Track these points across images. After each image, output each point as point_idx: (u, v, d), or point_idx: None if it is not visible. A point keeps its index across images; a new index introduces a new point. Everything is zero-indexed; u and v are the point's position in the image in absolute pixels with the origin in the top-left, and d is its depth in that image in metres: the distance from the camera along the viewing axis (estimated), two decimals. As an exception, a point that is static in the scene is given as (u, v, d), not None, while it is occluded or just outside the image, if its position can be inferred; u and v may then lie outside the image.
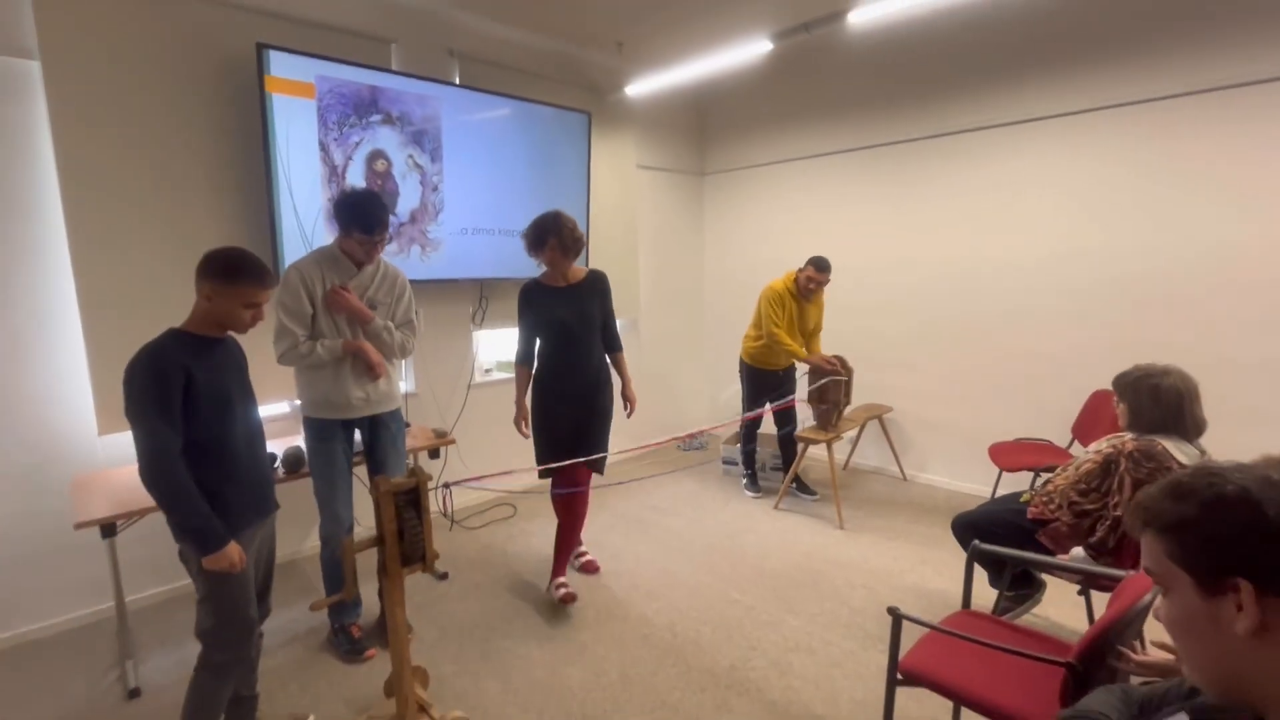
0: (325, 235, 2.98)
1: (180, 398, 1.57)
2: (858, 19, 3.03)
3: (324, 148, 2.92)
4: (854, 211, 4.33)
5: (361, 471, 2.50)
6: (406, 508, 1.87)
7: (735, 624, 2.57)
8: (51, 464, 2.51)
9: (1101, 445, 2.12)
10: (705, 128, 5.16)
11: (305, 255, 2.25)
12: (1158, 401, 1.93)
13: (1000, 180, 3.67)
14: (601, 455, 2.74)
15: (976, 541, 1.84)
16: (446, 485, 2.08)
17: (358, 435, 2.41)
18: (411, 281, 3.38)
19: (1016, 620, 2.38)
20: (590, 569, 3.02)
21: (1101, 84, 3.27)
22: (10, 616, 2.49)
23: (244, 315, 1.66)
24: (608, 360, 2.82)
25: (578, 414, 2.70)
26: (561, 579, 2.80)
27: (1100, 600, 2.28)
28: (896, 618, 1.66)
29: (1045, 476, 3.16)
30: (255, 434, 1.81)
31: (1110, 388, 3.23)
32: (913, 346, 4.16)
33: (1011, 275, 3.69)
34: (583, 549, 3.08)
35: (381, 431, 2.38)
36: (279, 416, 3.03)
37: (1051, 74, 3.42)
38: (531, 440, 2.75)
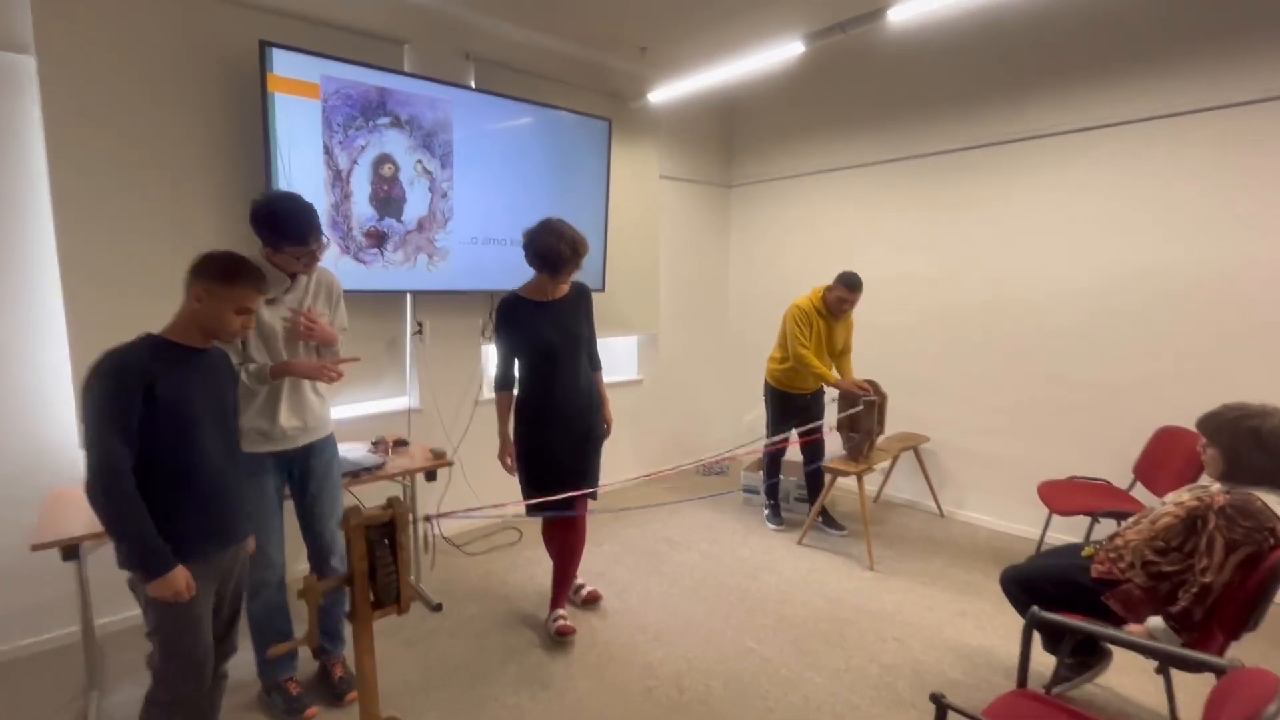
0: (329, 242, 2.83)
1: (138, 410, 1.42)
2: (898, 16, 2.80)
3: (328, 150, 2.79)
4: (890, 226, 4.07)
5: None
6: (379, 543, 1.68)
7: (750, 679, 2.30)
8: (28, 475, 2.38)
9: (1183, 496, 1.82)
10: (733, 138, 4.96)
11: None
12: (1262, 448, 1.63)
13: (1052, 193, 3.38)
14: (595, 489, 2.54)
15: (1035, 609, 1.55)
16: (429, 518, 1.88)
17: None
18: (417, 293, 3.29)
19: (1076, 690, 2.08)
20: (592, 599, 2.80)
21: (1167, 89, 2.97)
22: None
23: (234, 321, 1.55)
24: (591, 382, 2.60)
25: (570, 442, 2.46)
26: (560, 611, 2.59)
27: (1185, 681, 1.97)
28: (940, 706, 1.38)
29: (1104, 523, 2.86)
30: (226, 457, 1.63)
31: (1180, 425, 2.94)
32: (953, 372, 3.85)
33: (1066, 296, 3.37)
34: (580, 581, 2.85)
35: (314, 460, 2.10)
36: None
37: (1107, 78, 3.14)
38: (523, 472, 2.50)
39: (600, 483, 2.60)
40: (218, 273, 1.52)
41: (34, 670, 2.34)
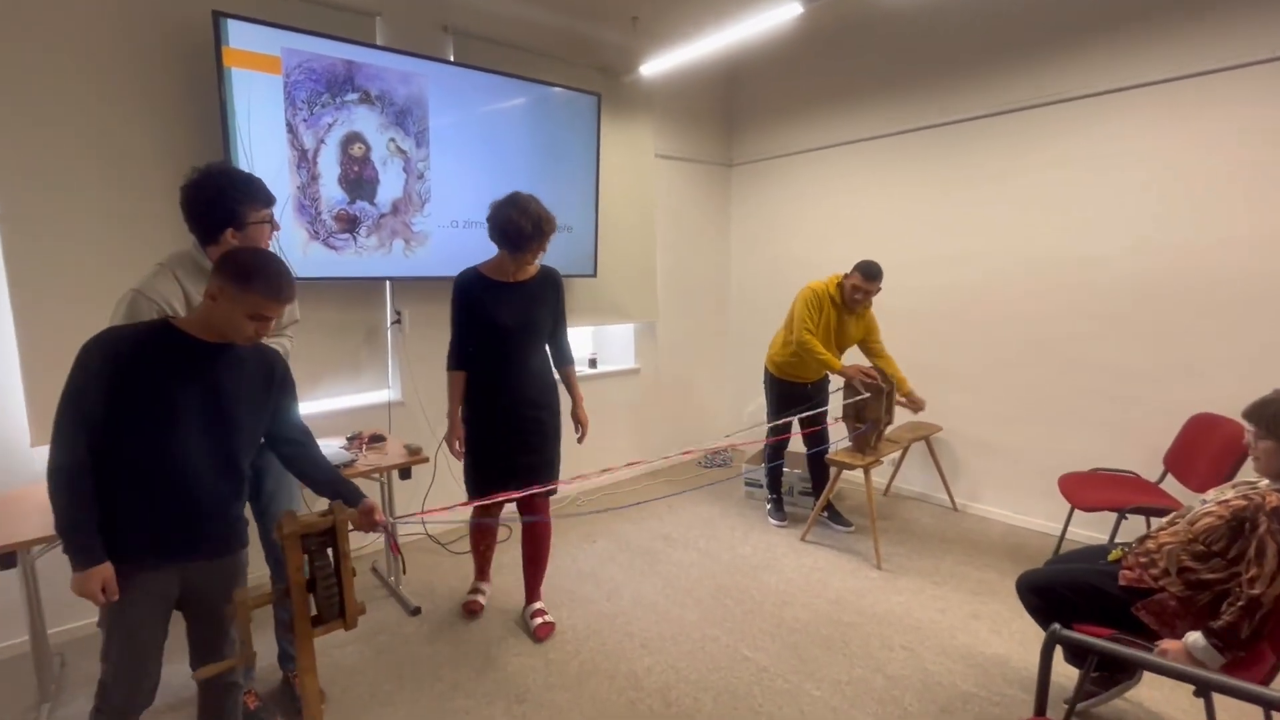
0: (294, 226, 2.68)
1: (98, 396, 1.31)
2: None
3: (292, 129, 2.62)
4: (900, 204, 3.83)
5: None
6: (319, 553, 1.52)
7: (743, 692, 2.13)
8: (-22, 477, 2.27)
9: (1227, 494, 1.61)
10: (732, 113, 4.72)
11: (150, 275, 1.61)
12: (1323, 443, 1.41)
13: (1075, 164, 3.12)
14: (548, 488, 2.41)
15: (1056, 627, 1.36)
16: (385, 525, 1.71)
17: None
18: (394, 279, 3.13)
19: (1103, 706, 1.88)
20: (543, 633, 2.44)
21: (1204, 43, 2.71)
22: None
23: (245, 326, 1.38)
24: (554, 374, 2.45)
25: (512, 434, 2.32)
26: (537, 605, 2.55)
27: (1227, 705, 1.75)
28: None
29: (1131, 519, 2.64)
30: (208, 462, 1.45)
31: (1215, 412, 2.70)
32: (967, 357, 3.62)
33: (1088, 274, 3.13)
34: (539, 605, 2.54)
35: (269, 456, 1.91)
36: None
37: (1134, 34, 2.87)
38: (467, 459, 2.41)
39: (560, 478, 2.47)
40: (233, 272, 1.36)
41: (-11, 681, 2.23)
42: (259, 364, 1.51)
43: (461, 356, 2.33)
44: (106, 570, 1.35)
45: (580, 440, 2.48)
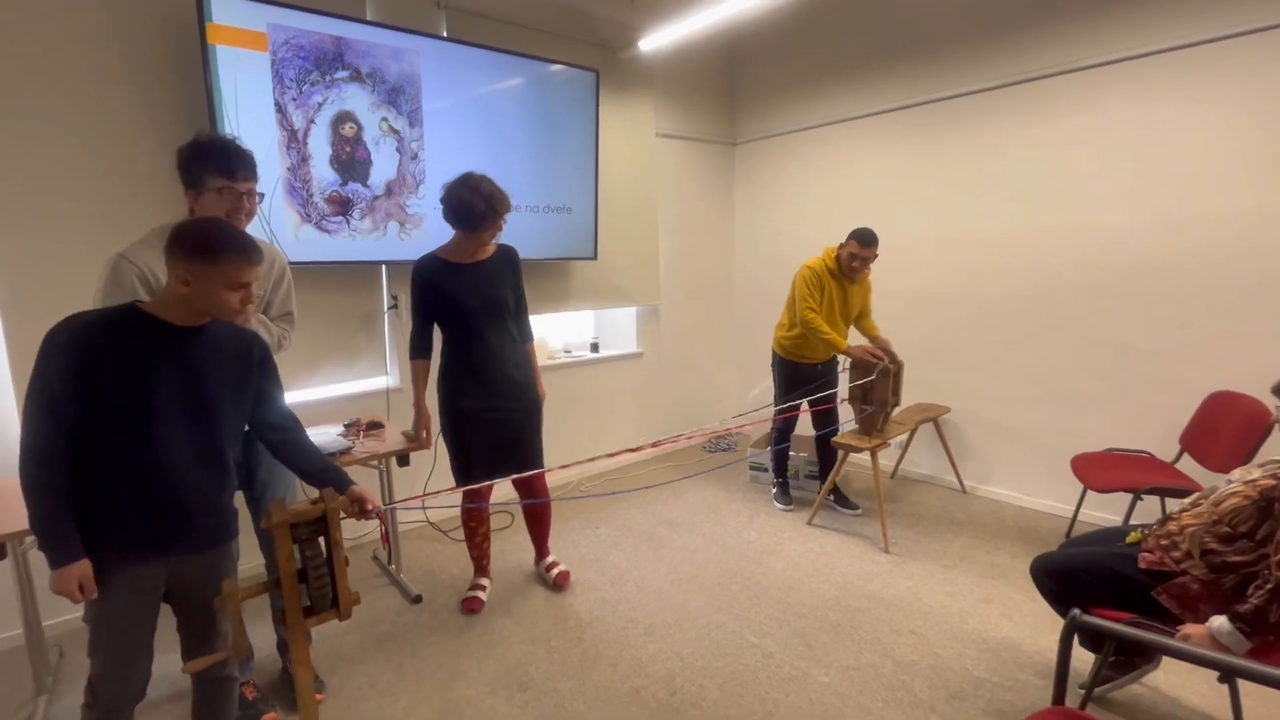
0: (284, 208, 2.62)
1: (68, 387, 1.25)
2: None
3: (280, 109, 2.55)
4: (907, 181, 3.73)
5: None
6: (310, 542, 1.47)
7: (749, 678, 2.09)
8: (-32, 469, 2.23)
9: (1254, 474, 1.54)
10: (736, 89, 4.60)
11: (138, 240, 1.65)
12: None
13: (1087, 135, 3.01)
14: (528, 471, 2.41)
15: (1077, 613, 1.30)
16: (378, 512, 1.66)
17: None
18: (390, 263, 3.06)
19: (1120, 691, 1.83)
20: (561, 581, 2.66)
21: (1224, 6, 2.59)
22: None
23: (231, 299, 1.33)
24: (522, 350, 2.43)
25: (494, 416, 2.31)
26: (550, 559, 2.71)
27: (1251, 691, 1.70)
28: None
29: (1147, 500, 2.57)
30: (190, 450, 1.39)
31: (1234, 389, 2.62)
32: (976, 337, 3.54)
33: (1101, 250, 3.04)
34: (553, 558, 2.73)
35: (259, 448, 1.87)
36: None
37: (1145, 2, 2.75)
38: (451, 446, 2.40)
39: (545, 459, 2.49)
40: (196, 249, 1.29)
41: (-13, 672, 2.21)
42: (237, 346, 1.45)
43: (423, 344, 2.33)
44: (84, 567, 1.30)
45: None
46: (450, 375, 2.33)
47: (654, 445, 2.99)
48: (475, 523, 2.53)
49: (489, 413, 2.31)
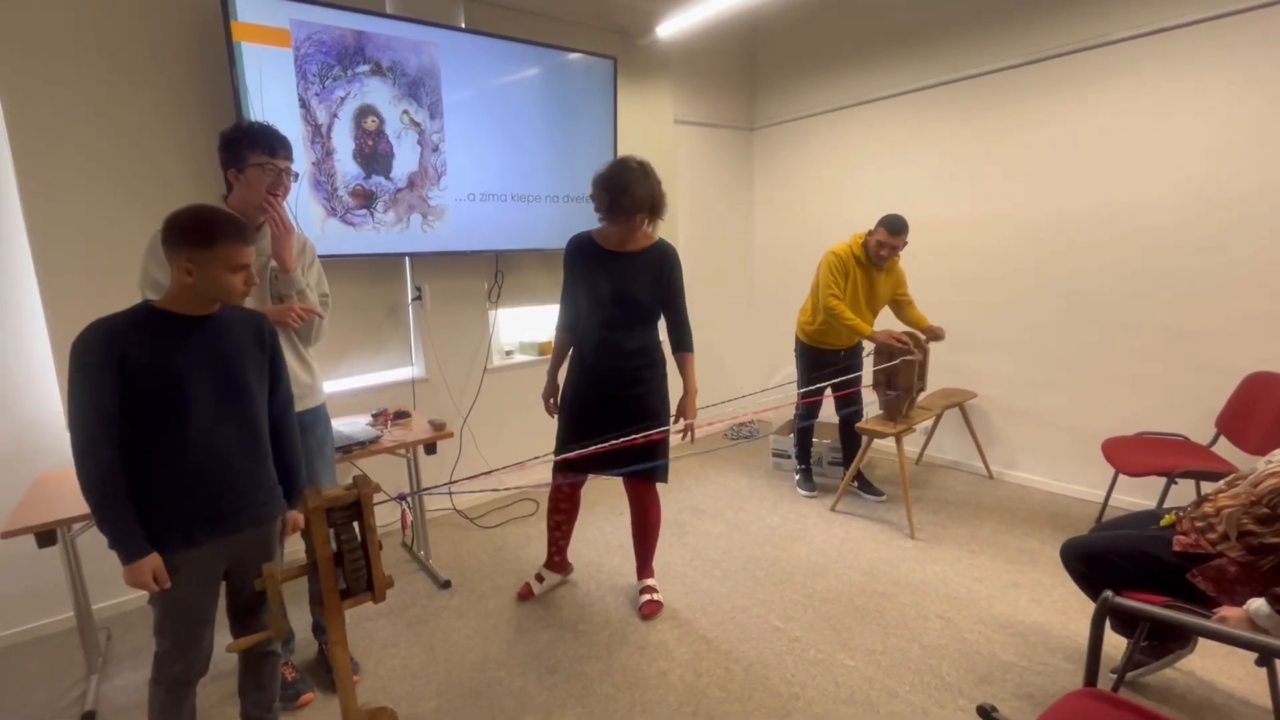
0: (310, 203, 2.66)
1: (112, 386, 1.31)
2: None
3: (304, 104, 2.58)
4: (931, 161, 3.66)
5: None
6: (345, 527, 1.51)
7: (775, 662, 2.10)
8: (18, 457, 2.31)
9: (1293, 454, 1.50)
10: (755, 74, 4.55)
11: None
12: None
13: (1119, 110, 2.93)
14: (647, 465, 2.25)
15: (1109, 594, 1.29)
16: (403, 497, 1.70)
17: None
18: (413, 255, 3.10)
19: (1152, 676, 1.81)
20: (648, 611, 2.39)
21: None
22: (-16, 620, 2.33)
23: (233, 281, 1.38)
24: (658, 353, 2.31)
25: (605, 408, 2.24)
26: (647, 582, 2.49)
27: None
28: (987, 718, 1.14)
29: (1181, 484, 2.52)
30: (232, 432, 1.46)
31: (1274, 370, 2.55)
32: (1002, 320, 3.48)
33: (1134, 229, 2.96)
34: (648, 581, 2.50)
35: (304, 436, 1.91)
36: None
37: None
38: (558, 423, 2.38)
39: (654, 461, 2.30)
40: (191, 238, 1.34)
41: (36, 654, 2.31)
42: (246, 325, 1.51)
43: (565, 318, 2.35)
44: (154, 560, 1.38)
45: (685, 438, 2.34)
46: (576, 352, 2.35)
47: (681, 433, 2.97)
48: (556, 499, 2.48)
49: (598, 398, 2.27)
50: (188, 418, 1.39)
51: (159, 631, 1.49)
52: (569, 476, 2.39)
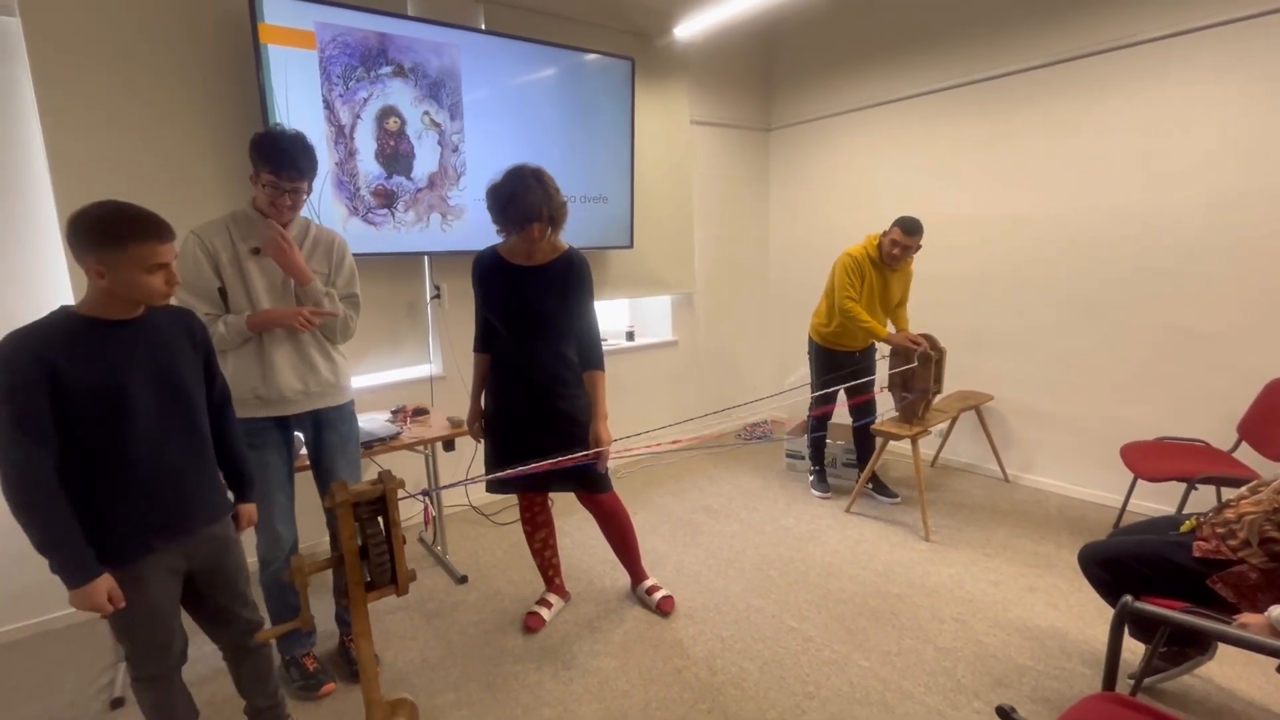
0: (333, 202, 2.71)
1: (43, 402, 1.23)
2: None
3: (328, 105, 2.63)
4: (947, 163, 3.65)
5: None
6: (370, 521, 1.55)
7: (789, 661, 2.11)
8: (50, 451, 2.37)
9: (1319, 461, 1.49)
10: (771, 74, 4.55)
11: (214, 219, 1.84)
12: None
13: (1140, 113, 2.91)
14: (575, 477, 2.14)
15: (1129, 599, 1.29)
16: (425, 493, 1.73)
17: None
18: (432, 254, 3.14)
19: (1171, 682, 1.80)
20: (664, 608, 2.40)
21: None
22: (11, 610, 2.38)
23: (152, 282, 1.30)
24: (570, 372, 2.13)
25: (528, 422, 2.12)
26: (648, 583, 2.48)
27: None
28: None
29: (1201, 490, 2.50)
30: (180, 440, 1.43)
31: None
32: (1020, 322, 3.46)
33: (1153, 231, 2.94)
34: (653, 582, 2.50)
35: (327, 433, 1.99)
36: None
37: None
38: (485, 444, 2.26)
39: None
40: (98, 239, 1.24)
41: (67, 642, 2.37)
42: (175, 323, 1.46)
43: (481, 338, 2.21)
44: (107, 581, 1.31)
45: (598, 466, 2.16)
46: (492, 372, 2.23)
47: (694, 439, 2.98)
48: (531, 528, 2.39)
49: (517, 418, 2.16)
50: (133, 429, 1.33)
51: (126, 636, 1.46)
52: (533, 511, 2.36)
